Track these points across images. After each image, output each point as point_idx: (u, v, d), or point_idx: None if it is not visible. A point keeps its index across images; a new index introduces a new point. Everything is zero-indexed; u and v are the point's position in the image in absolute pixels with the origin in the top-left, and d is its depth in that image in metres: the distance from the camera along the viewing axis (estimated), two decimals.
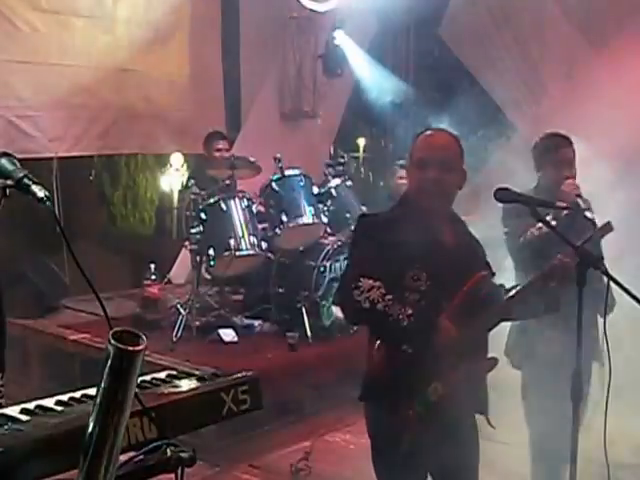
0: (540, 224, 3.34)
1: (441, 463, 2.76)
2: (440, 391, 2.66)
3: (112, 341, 1.63)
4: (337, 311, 5.89)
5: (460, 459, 2.83)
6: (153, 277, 6.24)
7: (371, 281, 2.60)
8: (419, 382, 2.66)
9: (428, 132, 2.90)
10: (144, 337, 1.68)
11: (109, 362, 1.64)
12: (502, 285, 2.92)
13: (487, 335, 2.83)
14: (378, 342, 2.72)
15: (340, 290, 2.84)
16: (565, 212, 3.42)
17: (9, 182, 1.84)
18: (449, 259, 2.75)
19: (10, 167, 1.84)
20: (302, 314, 5.76)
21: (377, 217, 2.91)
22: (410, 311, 2.59)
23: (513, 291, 2.82)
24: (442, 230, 2.82)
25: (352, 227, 6.15)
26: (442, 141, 2.85)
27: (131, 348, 1.64)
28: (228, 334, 5.70)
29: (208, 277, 6.24)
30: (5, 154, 1.87)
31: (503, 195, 2.79)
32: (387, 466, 2.77)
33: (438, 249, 2.76)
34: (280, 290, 5.99)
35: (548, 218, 3.38)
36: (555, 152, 3.77)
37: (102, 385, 1.65)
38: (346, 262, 3.02)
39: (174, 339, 5.51)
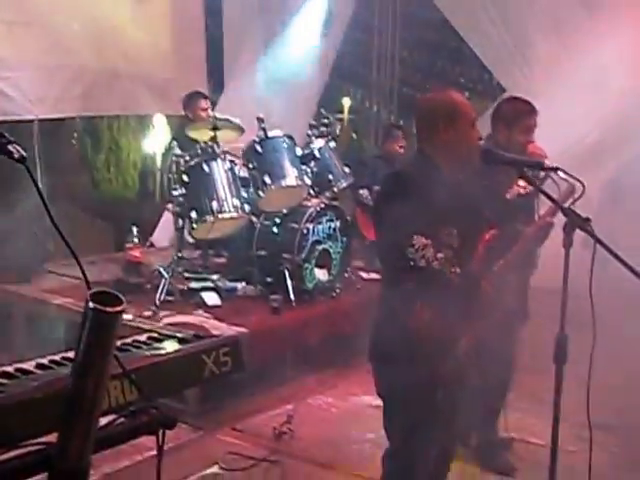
0: (522, 182, 3.51)
1: (457, 413, 2.96)
2: (467, 347, 2.77)
3: (90, 303, 1.60)
4: (320, 274, 5.90)
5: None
6: (135, 240, 6.18)
7: (424, 239, 2.60)
8: (455, 339, 2.76)
9: (453, 92, 2.97)
10: (123, 299, 1.66)
11: (87, 324, 1.62)
12: None
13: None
14: (420, 300, 2.69)
15: (390, 248, 2.74)
16: (543, 174, 3.50)
17: None
18: (471, 215, 2.85)
19: None
20: (285, 277, 5.73)
21: (409, 174, 2.89)
22: (458, 269, 2.66)
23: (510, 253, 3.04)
24: (463, 186, 2.91)
25: (336, 190, 6.21)
26: None
27: (109, 309, 1.61)
28: (211, 297, 5.67)
29: (191, 240, 6.20)
30: None
31: (489, 156, 2.84)
32: (409, 425, 2.84)
33: (463, 205, 2.83)
34: (263, 253, 5.95)
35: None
36: (527, 118, 3.95)
37: (80, 347, 1.64)
38: (379, 219, 2.92)
39: (157, 302, 5.47)
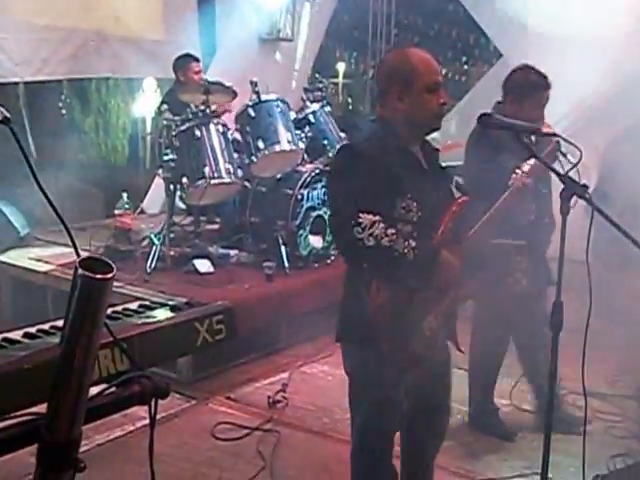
0: (526, 166, 3.44)
1: (426, 394, 2.79)
2: (433, 325, 2.64)
3: (79, 270, 1.52)
4: (314, 241, 5.82)
5: (441, 387, 2.92)
6: (126, 207, 6.09)
7: (371, 216, 2.46)
8: (418, 318, 2.62)
9: (415, 52, 2.71)
10: (113, 265, 1.58)
11: (76, 291, 1.54)
12: None
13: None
14: (375, 280, 2.58)
15: (338, 229, 2.63)
16: (549, 149, 3.42)
17: None
18: (432, 186, 2.70)
19: None
20: (279, 243, 5.65)
21: (363, 146, 2.69)
22: (414, 244, 2.51)
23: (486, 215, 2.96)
24: (423, 157, 2.76)
25: (331, 155, 6.09)
26: (435, 60, 2.76)
27: (99, 276, 1.53)
28: (203, 264, 5.58)
29: (182, 206, 6.11)
30: None
31: (487, 121, 2.72)
32: (375, 404, 2.72)
33: (423, 177, 2.70)
34: (256, 219, 5.86)
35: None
36: (540, 92, 3.82)
37: (69, 316, 1.56)
38: (330, 197, 2.82)
39: (148, 270, 5.38)
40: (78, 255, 1.57)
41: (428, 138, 2.85)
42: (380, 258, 2.51)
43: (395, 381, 2.66)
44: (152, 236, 5.74)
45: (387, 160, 2.58)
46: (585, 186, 2.56)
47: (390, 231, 2.47)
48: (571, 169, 2.85)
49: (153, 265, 5.44)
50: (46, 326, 2.02)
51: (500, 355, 4.16)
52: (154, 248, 5.56)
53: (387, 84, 2.73)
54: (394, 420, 2.78)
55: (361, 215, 2.46)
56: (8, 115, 1.68)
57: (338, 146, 6.09)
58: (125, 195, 6.07)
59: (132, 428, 3.95)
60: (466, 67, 8.74)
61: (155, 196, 7.42)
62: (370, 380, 2.70)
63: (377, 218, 2.47)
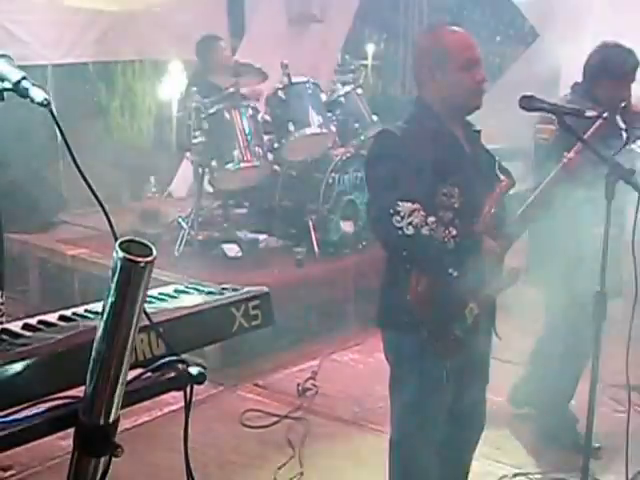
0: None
1: (465, 382, 2.73)
2: (475, 312, 2.61)
3: (120, 252, 1.46)
4: (345, 226, 5.73)
5: (480, 377, 2.85)
6: (153, 190, 6.05)
7: (410, 204, 2.40)
8: (459, 306, 2.59)
9: (447, 30, 2.68)
10: (153, 247, 1.51)
11: (117, 275, 1.48)
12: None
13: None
14: (414, 269, 2.55)
15: (376, 218, 2.55)
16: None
17: (6, 85, 1.65)
18: (474, 170, 2.64)
19: (7, 69, 1.65)
20: (309, 228, 5.58)
21: (402, 131, 2.62)
22: (454, 232, 2.46)
23: (532, 196, 2.74)
24: (464, 139, 2.69)
25: (363, 138, 5.99)
26: (470, 37, 2.69)
27: (141, 259, 1.47)
28: (232, 249, 5.53)
29: (211, 190, 6.05)
30: (1, 55, 1.69)
31: (528, 103, 2.66)
32: (417, 391, 2.67)
33: (465, 160, 2.64)
34: (286, 203, 5.79)
35: None
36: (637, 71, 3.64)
37: (109, 299, 1.50)
38: (367, 184, 2.71)
39: (176, 254, 5.37)
40: (116, 238, 1.51)
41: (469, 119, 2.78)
42: (420, 247, 2.46)
43: (437, 368, 2.62)
44: (180, 220, 5.71)
45: (427, 144, 2.53)
46: (632, 170, 2.50)
47: (430, 219, 2.43)
48: (615, 153, 2.75)
49: (181, 249, 5.42)
50: (81, 309, 1.97)
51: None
52: (182, 232, 5.53)
53: (421, 65, 2.69)
54: (437, 409, 2.71)
55: (400, 203, 2.40)
56: (48, 97, 1.64)
57: (376, 130, 6.00)
58: (153, 178, 6.03)
59: (159, 413, 3.96)
60: (501, 48, 8.59)
61: (183, 179, 7.38)
62: (412, 367, 2.66)
63: (416, 206, 2.42)
